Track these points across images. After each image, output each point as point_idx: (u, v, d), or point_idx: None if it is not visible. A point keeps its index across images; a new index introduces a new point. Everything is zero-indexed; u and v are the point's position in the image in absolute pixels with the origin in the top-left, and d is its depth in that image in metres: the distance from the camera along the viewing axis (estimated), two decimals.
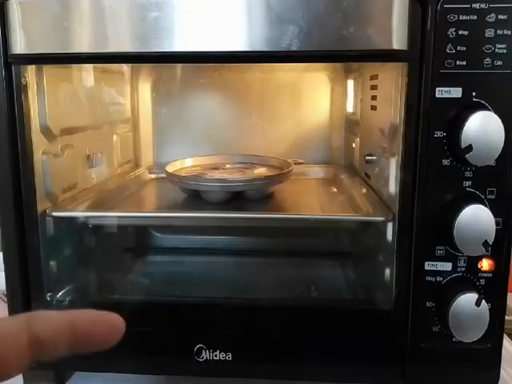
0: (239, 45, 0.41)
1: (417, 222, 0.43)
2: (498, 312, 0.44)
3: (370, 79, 0.65)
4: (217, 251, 0.73)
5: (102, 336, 0.21)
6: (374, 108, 0.63)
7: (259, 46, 0.41)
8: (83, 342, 0.21)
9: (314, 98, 0.81)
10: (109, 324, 0.22)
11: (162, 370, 0.50)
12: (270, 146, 0.79)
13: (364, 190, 0.63)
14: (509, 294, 0.45)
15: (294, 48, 0.40)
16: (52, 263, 0.51)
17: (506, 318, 0.45)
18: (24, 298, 0.48)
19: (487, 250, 0.41)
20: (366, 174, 0.67)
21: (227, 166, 0.74)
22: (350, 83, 0.79)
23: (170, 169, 0.67)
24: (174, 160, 0.72)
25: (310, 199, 0.68)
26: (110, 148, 0.74)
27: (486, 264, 0.43)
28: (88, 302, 0.53)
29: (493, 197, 0.42)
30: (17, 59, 0.44)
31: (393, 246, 0.46)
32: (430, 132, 0.42)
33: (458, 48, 0.40)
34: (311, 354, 0.48)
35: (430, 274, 0.44)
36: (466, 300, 0.42)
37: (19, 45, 0.43)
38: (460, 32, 0.40)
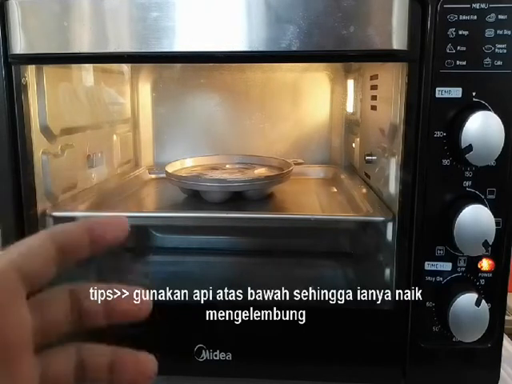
0: (239, 45, 0.41)
1: (417, 221, 0.43)
2: (497, 312, 0.44)
3: (370, 79, 0.65)
4: (217, 251, 0.73)
5: (111, 234, 0.26)
6: (374, 108, 0.63)
7: (259, 46, 0.41)
8: (99, 243, 0.26)
9: (314, 98, 0.81)
10: (116, 223, 0.26)
11: (162, 370, 0.50)
12: (269, 146, 0.79)
13: (364, 190, 0.63)
14: (509, 293, 0.45)
15: (293, 48, 0.40)
16: None
17: (506, 318, 0.45)
18: None
19: (487, 250, 0.41)
20: (365, 173, 0.67)
21: (227, 166, 0.74)
22: (350, 83, 0.79)
23: (169, 169, 0.67)
24: (174, 160, 0.72)
25: (310, 199, 0.68)
26: (110, 148, 0.74)
27: (485, 264, 0.43)
28: None
29: (493, 197, 0.42)
30: (17, 59, 0.44)
31: (393, 245, 0.46)
32: (429, 132, 0.42)
33: (458, 48, 0.40)
34: (311, 354, 0.48)
35: (430, 273, 0.44)
36: (466, 300, 0.42)
37: (19, 45, 0.43)
38: (460, 32, 0.40)
